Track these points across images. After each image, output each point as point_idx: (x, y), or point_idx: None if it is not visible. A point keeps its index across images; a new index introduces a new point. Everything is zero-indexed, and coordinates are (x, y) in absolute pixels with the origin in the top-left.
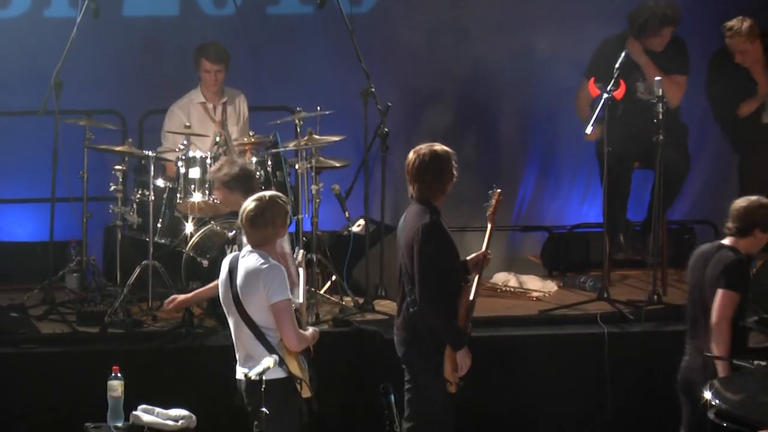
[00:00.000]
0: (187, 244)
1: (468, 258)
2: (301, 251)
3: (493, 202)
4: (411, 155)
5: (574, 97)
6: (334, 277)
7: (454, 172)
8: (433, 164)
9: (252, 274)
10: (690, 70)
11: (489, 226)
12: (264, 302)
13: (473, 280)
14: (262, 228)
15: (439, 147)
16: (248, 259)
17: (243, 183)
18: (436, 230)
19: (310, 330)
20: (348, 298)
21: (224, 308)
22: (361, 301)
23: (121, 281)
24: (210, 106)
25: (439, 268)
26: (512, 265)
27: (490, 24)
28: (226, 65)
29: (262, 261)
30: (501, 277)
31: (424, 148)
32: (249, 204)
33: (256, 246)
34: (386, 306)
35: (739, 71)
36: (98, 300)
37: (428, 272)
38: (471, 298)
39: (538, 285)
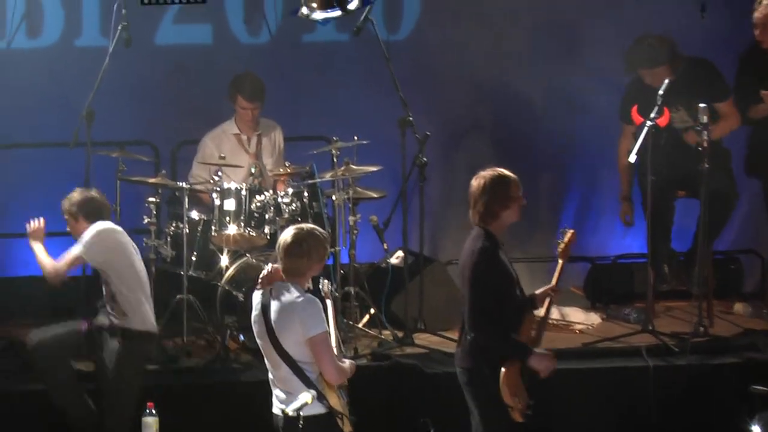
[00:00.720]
0: (223, 277)
1: (536, 292)
2: (326, 281)
3: (566, 240)
4: (473, 180)
5: (618, 132)
6: (372, 311)
7: (514, 198)
8: (489, 189)
9: (286, 309)
10: (729, 88)
11: (560, 262)
12: (300, 336)
13: (541, 315)
14: (298, 258)
15: (498, 172)
16: (281, 294)
17: (83, 208)
18: (488, 256)
19: (347, 363)
20: (387, 332)
21: (259, 343)
22: (400, 334)
23: (155, 316)
24: (244, 137)
25: (492, 293)
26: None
27: (530, 52)
28: (262, 101)
29: (297, 294)
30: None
31: (484, 172)
32: (287, 232)
33: (289, 276)
34: (426, 339)
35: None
36: None
37: (479, 297)
38: (536, 332)
39: (581, 317)
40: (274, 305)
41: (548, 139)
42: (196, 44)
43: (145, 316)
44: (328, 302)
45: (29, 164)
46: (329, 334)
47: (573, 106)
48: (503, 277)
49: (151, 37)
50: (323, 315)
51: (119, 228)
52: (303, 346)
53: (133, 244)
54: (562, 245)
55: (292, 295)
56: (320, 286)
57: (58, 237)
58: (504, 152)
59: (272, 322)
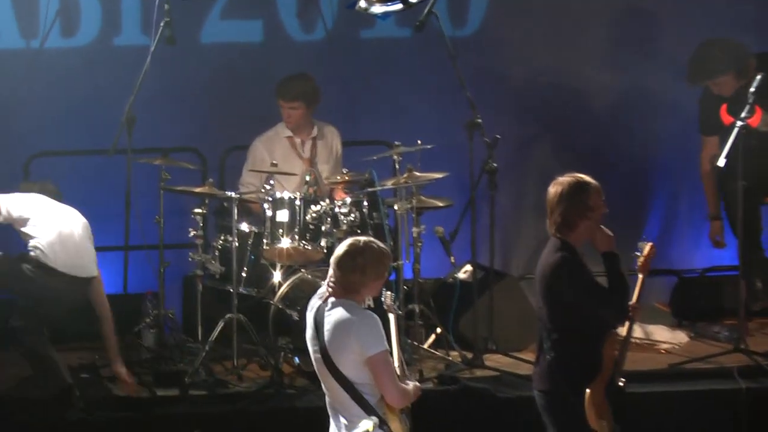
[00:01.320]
0: (276, 295)
1: None
2: (389, 293)
3: (645, 253)
4: (550, 186)
5: (700, 140)
6: (438, 330)
7: (594, 207)
8: (567, 197)
9: (341, 327)
10: None
11: (640, 277)
12: (358, 357)
13: (623, 333)
14: (350, 273)
15: (576, 178)
16: (335, 312)
17: None
18: (570, 267)
19: (411, 384)
20: (454, 353)
21: (314, 365)
22: (469, 356)
23: (202, 337)
24: (297, 141)
25: (575, 306)
26: None
27: (608, 48)
28: (304, 102)
29: (352, 311)
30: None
31: (562, 178)
32: (342, 245)
33: (343, 292)
34: (497, 361)
35: None
36: (178, 358)
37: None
38: (619, 351)
39: (667, 336)
40: (327, 323)
41: (628, 142)
42: (246, 42)
43: (56, 255)
44: (391, 316)
45: (64, 174)
46: (390, 352)
47: (655, 106)
48: (586, 288)
49: (197, 35)
50: (383, 332)
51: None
52: (361, 366)
53: (71, 211)
54: (641, 259)
55: (347, 311)
56: (382, 299)
57: (105, 252)
58: (580, 156)
59: (326, 341)
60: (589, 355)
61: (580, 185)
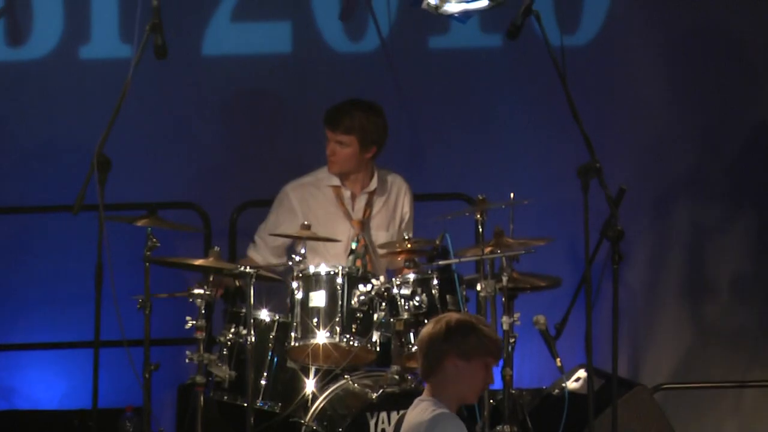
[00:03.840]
0: (308, 412)
1: None
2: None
3: None
4: None
5: None
6: None
7: None
8: None
9: (413, 429)
10: None
11: None
12: None
13: None
14: (427, 342)
15: None
16: (412, 413)
17: None
18: None
19: None
20: None
21: None
22: None
23: None
24: (347, 193)
25: None
26: None
27: None
28: (359, 138)
29: (427, 410)
30: None
31: None
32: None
33: (429, 385)
34: None
35: None
36: None
37: None
38: None
39: None
40: (403, 428)
41: None
42: (267, 54)
43: None
44: None
45: (13, 237)
46: None
47: None
48: None
49: (197, 44)
50: None
51: None
52: None
53: None
54: None
55: (422, 411)
56: None
57: (68, 350)
58: (744, 212)
59: None
60: None
61: None
